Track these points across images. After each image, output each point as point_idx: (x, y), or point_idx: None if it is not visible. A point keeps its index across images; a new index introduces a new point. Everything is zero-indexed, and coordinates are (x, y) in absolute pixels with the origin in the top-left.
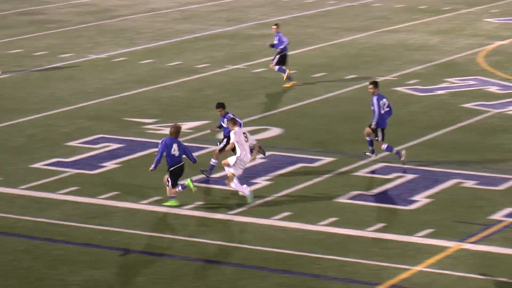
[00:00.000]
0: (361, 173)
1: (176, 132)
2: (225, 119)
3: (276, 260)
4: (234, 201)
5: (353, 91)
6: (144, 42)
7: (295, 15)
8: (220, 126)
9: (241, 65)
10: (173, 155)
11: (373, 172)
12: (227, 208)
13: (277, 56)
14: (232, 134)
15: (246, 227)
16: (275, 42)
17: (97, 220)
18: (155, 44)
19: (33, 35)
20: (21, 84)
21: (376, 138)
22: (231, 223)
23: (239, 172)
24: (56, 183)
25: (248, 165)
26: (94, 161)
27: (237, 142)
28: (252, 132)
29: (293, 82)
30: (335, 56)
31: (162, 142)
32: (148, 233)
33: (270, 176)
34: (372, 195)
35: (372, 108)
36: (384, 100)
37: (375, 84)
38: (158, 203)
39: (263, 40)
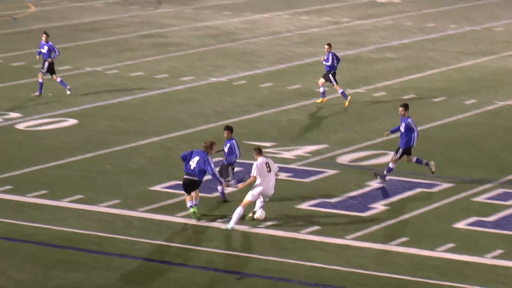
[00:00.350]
0: (480, 198)
1: (205, 147)
2: (228, 144)
3: (392, 286)
4: (352, 226)
5: (473, 116)
6: (264, 65)
7: (417, 39)
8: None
9: (361, 89)
10: (189, 165)
11: (491, 198)
12: (344, 232)
13: (330, 76)
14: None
15: (363, 252)
16: (325, 62)
17: (214, 243)
18: (276, 67)
19: (154, 57)
20: (142, 106)
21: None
22: (348, 248)
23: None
24: (175, 206)
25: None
26: (214, 184)
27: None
28: (370, 157)
29: (325, 98)
30: (455, 80)
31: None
32: (265, 257)
33: (388, 201)
34: (490, 221)
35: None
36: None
37: (405, 106)
38: (275, 227)
39: (384, 64)
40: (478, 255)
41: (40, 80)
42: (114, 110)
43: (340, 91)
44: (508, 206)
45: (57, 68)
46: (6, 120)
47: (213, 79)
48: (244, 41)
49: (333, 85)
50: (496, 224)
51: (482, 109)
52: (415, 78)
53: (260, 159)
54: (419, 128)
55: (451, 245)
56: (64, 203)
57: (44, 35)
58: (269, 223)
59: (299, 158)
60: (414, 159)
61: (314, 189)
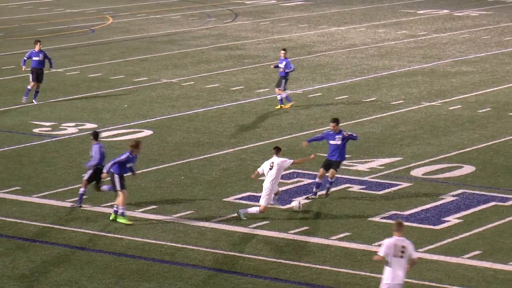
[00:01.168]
0: None
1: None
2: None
3: None
4: (424, 239)
5: None
6: (340, 78)
7: (494, 52)
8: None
9: (437, 102)
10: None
11: None
12: (417, 245)
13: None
14: None
15: (436, 265)
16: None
17: (287, 255)
18: (351, 80)
19: (230, 69)
20: (217, 118)
21: None
22: (421, 261)
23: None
24: (248, 217)
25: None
26: (286, 196)
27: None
28: (445, 170)
29: (292, 103)
30: None
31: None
32: (336, 269)
33: (461, 214)
34: None
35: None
36: None
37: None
38: (348, 239)
39: (460, 77)
40: None
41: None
42: (189, 121)
43: (284, 95)
44: None
45: (133, 79)
46: (81, 130)
47: (289, 91)
48: (320, 54)
49: (280, 88)
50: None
51: None
52: (492, 92)
53: (272, 159)
54: (494, 142)
55: None
56: (137, 213)
57: (38, 44)
58: (342, 235)
59: (372, 171)
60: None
61: (387, 202)
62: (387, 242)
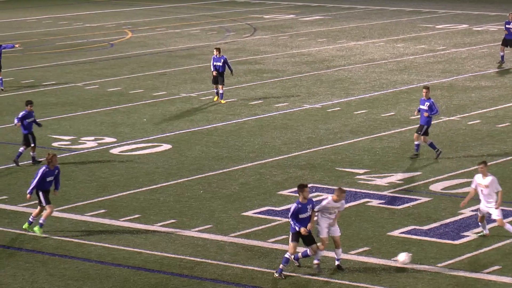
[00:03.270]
0: None
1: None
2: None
3: None
4: (444, 253)
5: None
6: (359, 93)
7: None
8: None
9: (456, 117)
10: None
11: None
12: (436, 260)
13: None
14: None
15: (455, 280)
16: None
17: (305, 269)
18: (370, 94)
19: (249, 84)
20: (236, 132)
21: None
22: (440, 276)
23: None
24: (267, 231)
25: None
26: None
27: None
28: (464, 185)
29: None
30: None
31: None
32: (358, 284)
33: (481, 229)
34: None
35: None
36: None
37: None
38: (367, 253)
39: (479, 92)
40: None
41: None
42: (208, 135)
43: (221, 91)
44: None
45: (152, 93)
46: (101, 144)
47: (308, 106)
48: (339, 68)
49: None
50: None
51: None
52: (511, 107)
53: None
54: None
55: None
56: (156, 227)
57: None
58: (360, 249)
59: (391, 185)
60: None
61: (406, 216)
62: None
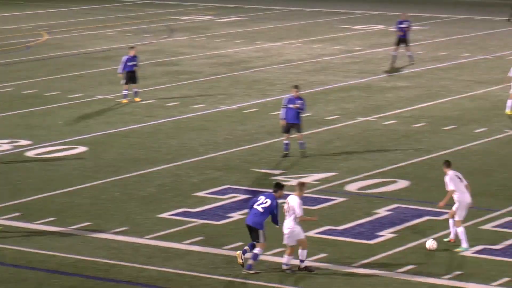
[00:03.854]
0: (488, 226)
1: None
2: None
3: None
4: (359, 253)
5: (483, 144)
6: (276, 94)
7: (429, 67)
8: None
9: (372, 117)
10: None
11: (500, 226)
12: (352, 259)
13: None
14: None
15: (370, 280)
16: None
17: (221, 270)
18: (287, 95)
19: (166, 85)
20: (152, 134)
21: None
22: (355, 275)
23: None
24: (182, 233)
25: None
26: (221, 212)
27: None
28: (379, 184)
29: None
30: (467, 109)
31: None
32: (273, 284)
33: (396, 229)
34: (498, 249)
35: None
36: None
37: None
38: (283, 254)
39: (395, 92)
40: (485, 283)
41: None
42: (125, 137)
43: (136, 90)
44: None
45: (68, 96)
46: (16, 147)
47: (225, 107)
48: (256, 69)
49: (124, 83)
50: (503, 252)
51: (492, 137)
52: (426, 107)
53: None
54: (429, 156)
55: (458, 272)
56: (72, 230)
57: None
58: (277, 250)
59: (308, 186)
60: None
61: (322, 217)
62: None
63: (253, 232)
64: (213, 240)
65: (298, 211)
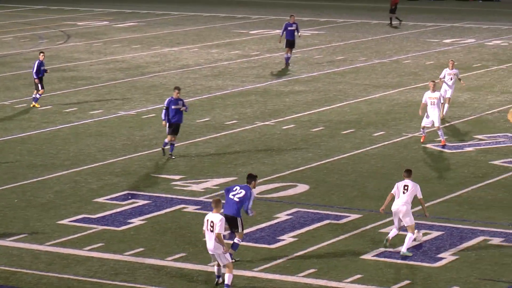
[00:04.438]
0: (387, 230)
1: None
2: None
3: None
4: (260, 258)
5: (381, 147)
6: None
7: (326, 71)
8: None
9: (271, 122)
10: None
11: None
12: (253, 264)
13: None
14: None
15: (271, 284)
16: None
17: (122, 276)
18: (185, 100)
19: (63, 91)
20: (50, 140)
21: None
22: (256, 280)
23: None
24: (83, 239)
25: None
26: (121, 218)
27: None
28: (279, 189)
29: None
30: (364, 113)
31: None
32: None
33: (296, 233)
34: (398, 252)
35: None
36: None
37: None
38: (183, 259)
39: (293, 97)
40: (385, 286)
41: None
42: (22, 143)
43: (39, 95)
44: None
45: None
46: None
47: (122, 113)
48: (154, 75)
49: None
50: (403, 255)
51: (390, 141)
52: (324, 111)
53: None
54: (328, 160)
55: (358, 276)
56: None
57: None
58: (177, 255)
59: (207, 191)
60: None
61: None
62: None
63: (232, 221)
64: (113, 246)
65: (218, 229)
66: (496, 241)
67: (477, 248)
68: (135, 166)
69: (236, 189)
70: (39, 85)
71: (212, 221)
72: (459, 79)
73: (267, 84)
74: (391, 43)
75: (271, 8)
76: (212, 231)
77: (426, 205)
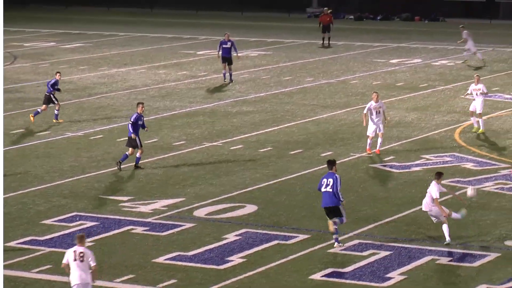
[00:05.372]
0: (336, 250)
1: None
2: None
3: None
4: (209, 279)
5: None
6: (121, 120)
7: (274, 92)
8: None
9: (219, 142)
10: None
11: (348, 249)
12: (202, 285)
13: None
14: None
15: None
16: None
17: None
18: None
19: (10, 113)
20: None
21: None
22: None
23: None
24: (30, 262)
25: None
26: (69, 239)
27: None
28: (227, 209)
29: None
30: (312, 133)
31: None
32: None
33: (245, 254)
34: (346, 272)
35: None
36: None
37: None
38: (132, 281)
39: (241, 117)
40: None
41: None
42: None
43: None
44: (364, 257)
45: None
46: None
47: (70, 134)
48: (101, 96)
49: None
50: (352, 275)
51: (338, 161)
52: (272, 131)
53: None
54: (276, 180)
55: None
56: None
57: None
58: (125, 277)
59: (155, 212)
60: None
61: (171, 243)
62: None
63: (333, 211)
64: (61, 268)
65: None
66: (444, 260)
67: (425, 268)
68: (83, 187)
69: (324, 182)
70: (55, 100)
71: (81, 252)
72: (486, 93)
73: (214, 104)
74: (338, 64)
75: (218, 29)
76: (82, 261)
77: (374, 225)
